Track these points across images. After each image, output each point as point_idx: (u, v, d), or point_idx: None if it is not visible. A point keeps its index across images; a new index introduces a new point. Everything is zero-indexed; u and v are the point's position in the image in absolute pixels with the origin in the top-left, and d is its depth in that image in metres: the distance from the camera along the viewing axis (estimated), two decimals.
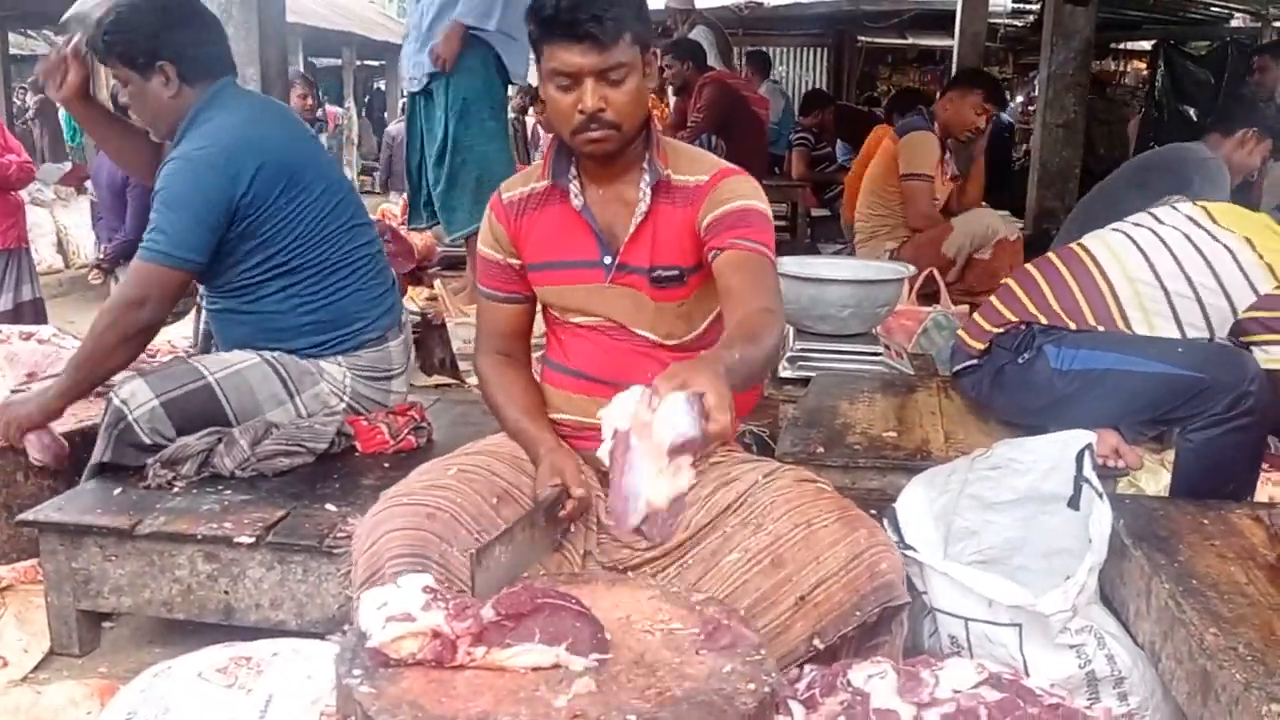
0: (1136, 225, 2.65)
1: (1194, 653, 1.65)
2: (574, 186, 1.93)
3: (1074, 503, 2.12)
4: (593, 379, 1.97)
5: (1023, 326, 2.60)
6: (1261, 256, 2.48)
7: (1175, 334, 2.49)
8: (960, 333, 2.83)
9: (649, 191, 1.90)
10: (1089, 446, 2.14)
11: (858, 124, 7.75)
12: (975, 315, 2.82)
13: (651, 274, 1.91)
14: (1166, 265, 2.53)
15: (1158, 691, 1.88)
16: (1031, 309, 2.61)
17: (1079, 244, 2.70)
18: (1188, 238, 2.55)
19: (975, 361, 2.69)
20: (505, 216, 2.00)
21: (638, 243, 1.91)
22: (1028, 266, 2.78)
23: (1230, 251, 2.50)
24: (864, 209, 5.12)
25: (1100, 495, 2.03)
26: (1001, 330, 2.65)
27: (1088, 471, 2.10)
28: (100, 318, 2.51)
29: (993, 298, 2.77)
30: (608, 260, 1.92)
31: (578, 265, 1.95)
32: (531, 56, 3.76)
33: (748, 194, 1.89)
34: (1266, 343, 2.42)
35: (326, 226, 2.60)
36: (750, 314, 1.69)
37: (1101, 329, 2.53)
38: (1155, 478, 2.60)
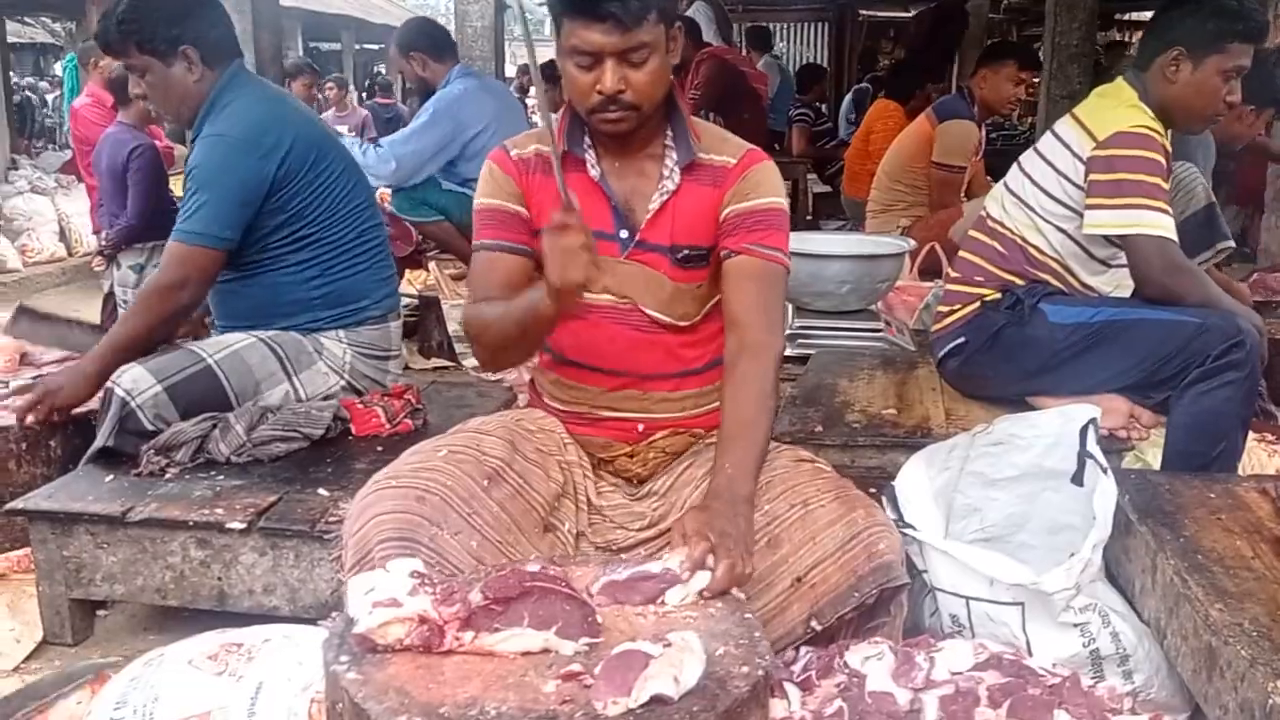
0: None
1: (1199, 629, 1.63)
2: (590, 156, 1.87)
3: (1078, 478, 2.10)
4: (583, 365, 1.93)
5: (1000, 293, 2.61)
6: (1079, 121, 2.53)
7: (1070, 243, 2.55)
8: (940, 308, 2.80)
9: (677, 170, 1.85)
10: (1093, 421, 2.11)
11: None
12: (947, 286, 2.80)
13: (675, 253, 1.86)
14: (1019, 185, 2.62)
15: (1163, 669, 1.86)
16: (993, 270, 2.64)
17: (984, 209, 2.77)
18: (1035, 149, 2.65)
19: (962, 340, 2.65)
20: (515, 170, 1.91)
21: (660, 220, 1.86)
22: (970, 233, 2.80)
23: (1054, 135, 2.58)
24: (884, 182, 5.06)
25: (1104, 470, 2.00)
26: (980, 297, 2.65)
27: (1091, 446, 2.07)
28: (140, 302, 2.56)
29: (950, 272, 2.79)
30: (624, 235, 1.86)
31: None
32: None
33: (772, 189, 1.87)
34: (1091, 206, 2.45)
35: (346, 204, 2.63)
36: (746, 379, 1.75)
37: (1039, 273, 2.59)
38: (1161, 452, 2.57)
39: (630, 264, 1.87)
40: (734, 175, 1.86)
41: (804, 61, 14.24)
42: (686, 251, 1.86)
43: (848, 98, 10.21)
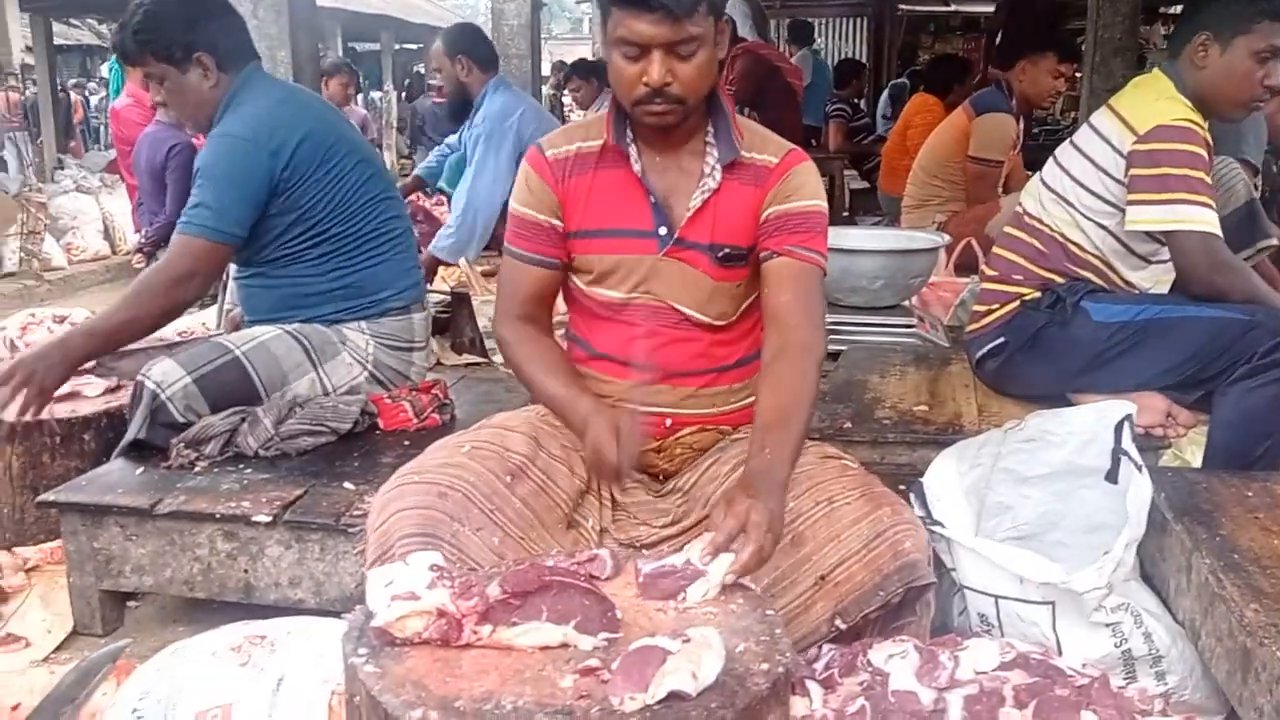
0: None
1: (1234, 630, 1.59)
2: (633, 150, 1.85)
3: (1112, 476, 2.06)
4: (614, 360, 1.91)
5: (1040, 292, 2.56)
6: (1117, 113, 2.48)
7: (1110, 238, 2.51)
8: (976, 308, 2.75)
9: (719, 168, 1.83)
10: (1128, 417, 2.07)
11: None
12: (983, 285, 2.75)
13: (716, 252, 1.84)
14: (1056, 180, 2.58)
15: (1197, 670, 1.82)
16: (1031, 268, 2.60)
17: (1019, 205, 2.73)
18: (1072, 143, 2.61)
19: (1002, 340, 2.60)
20: (552, 175, 1.88)
21: (700, 218, 1.84)
22: (1006, 230, 2.76)
23: (1092, 128, 2.54)
24: (920, 177, 4.98)
25: (1139, 468, 1.96)
26: (1019, 296, 2.60)
27: (1126, 443, 2.03)
28: (143, 288, 2.51)
29: (985, 268, 2.75)
30: (663, 231, 1.84)
31: (629, 234, 1.86)
32: None
33: (813, 191, 1.85)
34: (1133, 202, 2.41)
35: (361, 198, 2.64)
36: (787, 375, 1.72)
37: (1080, 270, 2.54)
38: (1201, 449, 2.51)
39: (668, 261, 1.85)
40: (776, 175, 1.84)
41: (842, 57, 14.13)
42: (727, 251, 1.84)
43: (885, 92, 10.13)
